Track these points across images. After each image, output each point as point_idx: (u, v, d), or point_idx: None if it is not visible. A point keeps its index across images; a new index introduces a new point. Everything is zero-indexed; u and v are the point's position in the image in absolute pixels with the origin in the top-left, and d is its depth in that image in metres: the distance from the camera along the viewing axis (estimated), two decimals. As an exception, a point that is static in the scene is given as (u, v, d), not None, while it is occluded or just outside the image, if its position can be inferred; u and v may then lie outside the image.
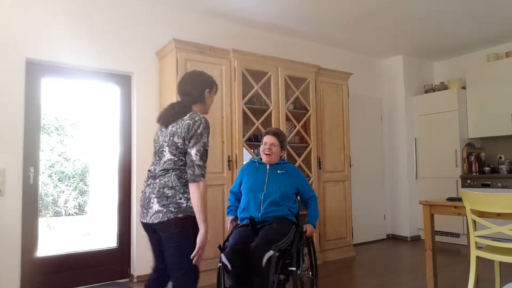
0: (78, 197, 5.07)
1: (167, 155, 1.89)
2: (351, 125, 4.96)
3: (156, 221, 1.84)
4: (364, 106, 5.53)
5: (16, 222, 3.02)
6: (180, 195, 1.85)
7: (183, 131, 1.86)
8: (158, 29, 3.82)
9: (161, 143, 1.94)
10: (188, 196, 1.86)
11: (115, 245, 3.62)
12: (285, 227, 2.52)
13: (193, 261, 1.83)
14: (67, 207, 5.06)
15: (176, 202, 1.84)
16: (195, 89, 2.03)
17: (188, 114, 1.91)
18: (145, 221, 1.90)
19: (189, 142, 1.86)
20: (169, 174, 1.87)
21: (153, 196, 1.87)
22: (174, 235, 1.82)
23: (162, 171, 1.89)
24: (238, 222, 2.75)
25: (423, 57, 5.84)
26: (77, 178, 5.09)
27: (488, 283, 3.29)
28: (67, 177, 5.05)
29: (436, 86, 5.63)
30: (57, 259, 3.32)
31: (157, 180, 1.89)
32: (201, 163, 1.84)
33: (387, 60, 5.88)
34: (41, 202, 4.40)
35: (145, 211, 1.90)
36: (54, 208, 5.00)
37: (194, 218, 1.85)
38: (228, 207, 2.89)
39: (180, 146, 1.87)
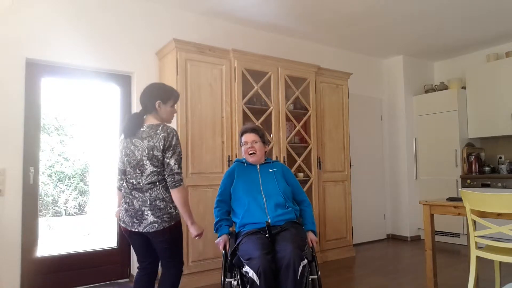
0: (78, 197, 5.07)
1: (150, 168, 2.08)
2: (351, 125, 4.97)
3: (151, 231, 2.06)
4: (364, 106, 5.53)
5: (16, 222, 3.02)
6: (170, 205, 2.11)
7: (161, 144, 2.06)
8: (158, 29, 3.82)
9: (139, 157, 2.09)
10: (175, 205, 2.12)
11: (115, 245, 3.62)
12: (302, 232, 2.37)
13: (197, 238, 2.21)
14: (67, 207, 5.06)
15: (168, 212, 2.09)
16: (147, 101, 2.19)
17: (160, 127, 2.09)
18: (137, 230, 2.09)
19: (166, 153, 2.06)
20: (157, 187, 2.08)
21: (146, 208, 2.07)
22: (167, 240, 2.12)
23: (149, 184, 2.08)
24: (232, 232, 2.47)
25: (423, 57, 5.84)
26: (77, 178, 5.09)
27: (488, 283, 3.29)
28: (67, 177, 5.05)
29: (436, 86, 5.63)
30: (57, 259, 3.32)
31: (147, 194, 2.08)
32: (179, 170, 2.09)
33: (387, 60, 5.88)
34: (41, 202, 4.39)
35: (136, 221, 2.09)
36: (54, 208, 5.00)
37: (180, 221, 2.17)
38: (218, 222, 2.45)
39: (160, 158, 2.07)
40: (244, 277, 2.12)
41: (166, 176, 2.07)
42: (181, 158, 2.11)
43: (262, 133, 2.64)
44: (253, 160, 2.58)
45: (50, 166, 4.89)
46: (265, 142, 2.64)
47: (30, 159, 3.18)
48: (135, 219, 2.09)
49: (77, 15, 3.40)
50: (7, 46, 3.05)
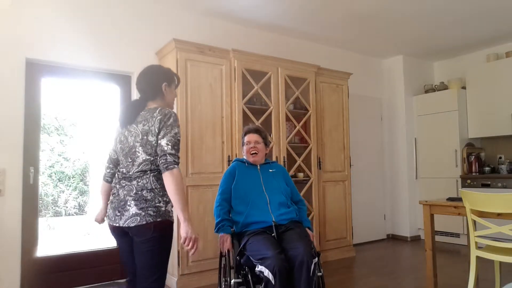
0: (78, 197, 5.07)
1: (142, 156, 1.79)
2: (351, 125, 4.97)
3: (132, 225, 1.72)
4: (364, 106, 5.53)
5: (16, 222, 3.02)
6: (159, 198, 1.78)
7: (156, 127, 1.77)
8: (158, 29, 3.82)
9: (132, 144, 1.82)
10: (167, 200, 1.80)
11: (115, 245, 3.61)
12: (305, 231, 2.43)
13: (191, 253, 1.72)
14: (67, 207, 5.06)
15: (155, 206, 1.75)
16: (150, 85, 1.92)
17: (157, 110, 1.81)
18: (118, 225, 1.77)
19: (158, 134, 1.76)
20: (147, 176, 1.78)
21: (130, 198, 1.76)
22: (150, 240, 1.73)
23: (139, 173, 1.79)
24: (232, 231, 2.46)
25: (423, 57, 5.84)
26: (77, 178, 5.09)
27: (488, 283, 3.29)
28: (67, 177, 5.05)
29: (436, 86, 5.63)
30: (57, 259, 3.32)
31: (134, 182, 1.78)
32: (173, 151, 1.74)
33: (387, 60, 5.88)
34: (41, 202, 4.40)
35: (118, 214, 1.78)
36: (54, 208, 5.00)
37: (172, 222, 1.82)
38: (220, 221, 2.41)
39: (155, 144, 1.77)
40: (253, 277, 2.15)
41: (158, 158, 1.75)
42: (177, 140, 1.78)
43: (265, 135, 2.70)
44: (255, 159, 2.62)
45: (50, 166, 4.89)
46: (267, 144, 2.70)
47: (30, 159, 3.18)
48: (117, 211, 1.78)
49: (77, 15, 3.40)
50: (7, 46, 3.05)
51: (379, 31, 4.74)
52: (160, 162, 1.73)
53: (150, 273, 1.74)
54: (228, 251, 2.37)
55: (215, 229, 2.42)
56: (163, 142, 1.74)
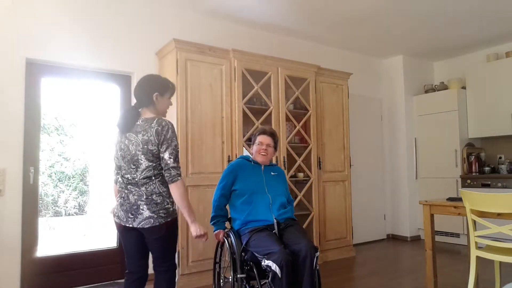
0: (78, 197, 5.07)
1: (145, 163, 2.01)
2: (351, 125, 4.97)
3: (147, 226, 2.00)
4: (364, 106, 5.53)
5: (16, 222, 3.02)
6: (167, 200, 2.05)
7: (155, 138, 1.99)
8: (158, 29, 3.82)
9: (134, 152, 2.02)
10: (173, 200, 2.07)
11: (115, 245, 3.61)
12: (302, 227, 2.59)
13: (203, 241, 2.15)
14: (67, 207, 5.06)
15: (164, 207, 2.03)
16: (143, 94, 2.12)
17: (155, 120, 2.03)
18: (132, 226, 2.03)
19: (161, 147, 2.00)
20: (153, 182, 2.02)
21: (142, 203, 2.01)
22: (162, 237, 2.05)
23: (145, 179, 2.02)
24: (227, 229, 2.59)
25: (423, 57, 5.84)
26: (77, 178, 5.09)
27: (488, 283, 3.29)
28: (67, 177, 5.05)
29: (436, 86, 5.63)
30: (57, 259, 3.32)
31: (143, 188, 2.02)
32: (175, 164, 2.01)
33: (387, 60, 5.88)
34: (41, 202, 4.40)
35: (131, 216, 2.02)
36: (54, 208, 5.00)
37: (177, 217, 2.12)
38: (215, 216, 2.58)
39: (156, 153, 2.01)
40: (258, 271, 2.28)
41: (163, 171, 2.02)
42: (177, 151, 2.04)
43: (277, 140, 2.77)
44: (262, 160, 2.68)
45: (50, 166, 4.89)
46: (276, 149, 2.77)
47: (30, 159, 3.18)
48: (130, 214, 2.03)
49: (77, 15, 3.41)
50: (7, 46, 3.05)
51: (379, 31, 4.74)
52: (166, 175, 2.01)
53: (165, 260, 2.09)
54: (223, 243, 2.58)
55: (210, 222, 2.60)
56: (166, 156, 2.00)
